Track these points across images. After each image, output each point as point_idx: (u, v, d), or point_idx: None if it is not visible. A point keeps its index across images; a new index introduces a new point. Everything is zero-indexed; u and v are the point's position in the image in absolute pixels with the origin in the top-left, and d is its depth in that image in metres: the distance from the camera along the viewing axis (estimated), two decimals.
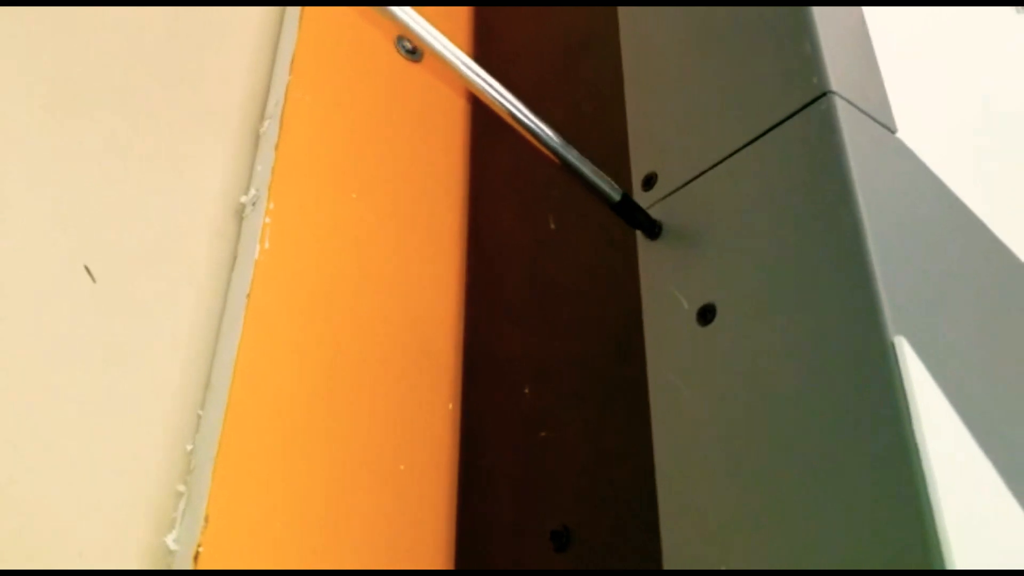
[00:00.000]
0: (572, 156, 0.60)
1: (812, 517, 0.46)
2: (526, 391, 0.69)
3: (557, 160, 0.60)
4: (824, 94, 0.58)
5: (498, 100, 0.59)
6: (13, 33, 0.68)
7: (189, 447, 0.64)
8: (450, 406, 0.77)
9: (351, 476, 0.68)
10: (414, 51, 0.96)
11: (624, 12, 0.78)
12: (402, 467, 0.71)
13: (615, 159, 0.72)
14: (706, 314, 0.57)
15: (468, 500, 0.70)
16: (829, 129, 0.56)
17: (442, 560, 0.69)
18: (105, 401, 0.62)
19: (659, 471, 0.54)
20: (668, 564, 0.49)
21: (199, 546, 0.57)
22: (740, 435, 0.51)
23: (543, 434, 0.65)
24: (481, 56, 0.99)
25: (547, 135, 0.60)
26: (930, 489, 0.42)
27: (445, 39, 0.58)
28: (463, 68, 0.58)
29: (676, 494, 0.52)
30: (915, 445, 0.44)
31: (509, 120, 0.60)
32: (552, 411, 0.66)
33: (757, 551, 0.47)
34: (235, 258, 0.74)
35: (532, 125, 0.60)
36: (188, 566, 0.57)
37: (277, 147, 0.77)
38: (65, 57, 0.71)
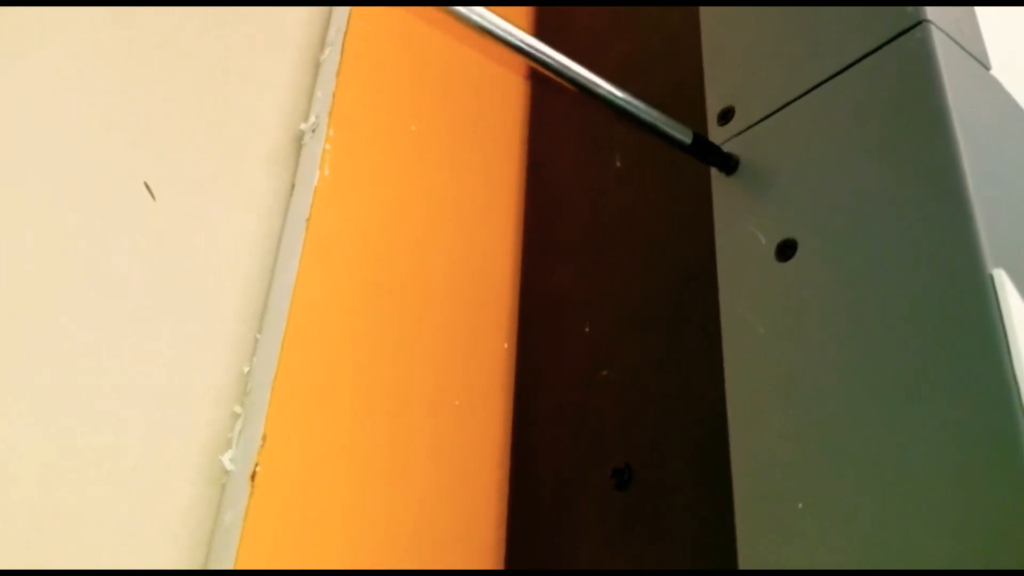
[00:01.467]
0: (635, 107, 0.57)
1: (899, 465, 0.44)
2: (586, 330, 0.67)
3: (617, 115, 0.57)
4: (920, 23, 0.55)
5: (545, 59, 0.55)
6: None
7: (246, 369, 0.63)
8: (505, 345, 0.75)
9: (405, 404, 0.67)
10: None
11: None
12: (457, 402, 0.69)
13: (686, 93, 0.70)
14: (786, 250, 0.55)
15: (524, 437, 0.69)
16: (925, 58, 0.53)
17: (496, 493, 0.68)
18: (161, 322, 0.62)
19: (731, 413, 0.52)
20: (740, 510, 0.48)
21: (256, 465, 0.56)
22: (822, 375, 0.49)
23: (605, 373, 0.63)
24: None
25: (604, 90, 0.56)
26: None
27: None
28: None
29: (750, 437, 0.49)
30: (1017, 382, 0.41)
31: (559, 80, 0.57)
32: (614, 349, 0.64)
33: (836, 501, 0.45)
34: (293, 185, 0.73)
35: (586, 82, 0.56)
36: (245, 485, 0.56)
37: (338, 74, 0.75)
38: None
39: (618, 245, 0.69)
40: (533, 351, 0.72)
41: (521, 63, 0.94)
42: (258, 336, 0.65)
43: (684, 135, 0.59)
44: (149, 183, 0.66)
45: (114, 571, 0.53)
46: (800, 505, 0.46)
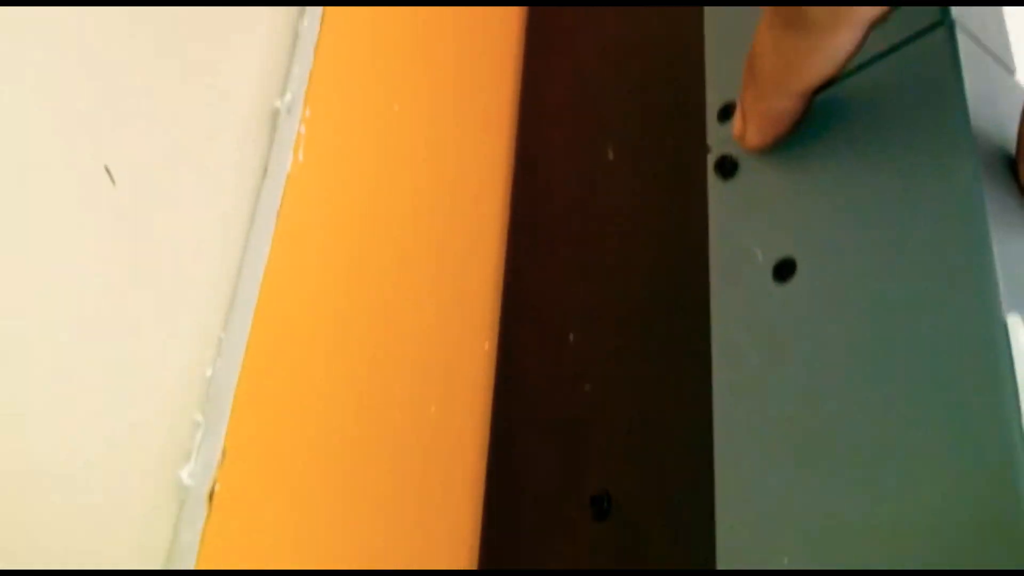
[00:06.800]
0: None
1: (895, 514, 0.40)
2: (571, 338, 0.63)
3: None
4: (942, 23, 0.50)
5: None
6: None
7: (209, 372, 0.60)
8: (487, 346, 0.72)
9: (378, 413, 0.64)
10: None
11: None
12: (433, 408, 0.66)
13: (687, 87, 0.65)
14: (783, 270, 0.51)
15: (502, 451, 0.66)
16: (948, 62, 0.49)
17: (471, 506, 0.65)
18: (119, 318, 0.58)
19: (718, 443, 0.48)
20: (722, 551, 0.45)
21: (215, 482, 0.53)
22: (815, 412, 0.45)
23: (587, 388, 0.59)
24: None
25: None
26: None
27: None
28: None
29: (736, 482, 0.46)
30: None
31: None
32: (598, 362, 0.60)
33: (825, 546, 0.42)
34: (265, 169, 0.68)
35: None
36: (203, 503, 0.53)
37: (316, 48, 0.70)
38: None
39: (607, 247, 0.65)
40: (516, 356, 0.69)
41: (515, 37, 0.89)
42: (222, 336, 0.61)
43: None
44: (109, 165, 0.61)
45: (115, 571, 0.51)
46: (786, 560, 0.43)
